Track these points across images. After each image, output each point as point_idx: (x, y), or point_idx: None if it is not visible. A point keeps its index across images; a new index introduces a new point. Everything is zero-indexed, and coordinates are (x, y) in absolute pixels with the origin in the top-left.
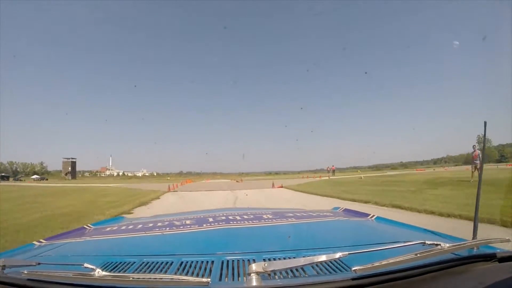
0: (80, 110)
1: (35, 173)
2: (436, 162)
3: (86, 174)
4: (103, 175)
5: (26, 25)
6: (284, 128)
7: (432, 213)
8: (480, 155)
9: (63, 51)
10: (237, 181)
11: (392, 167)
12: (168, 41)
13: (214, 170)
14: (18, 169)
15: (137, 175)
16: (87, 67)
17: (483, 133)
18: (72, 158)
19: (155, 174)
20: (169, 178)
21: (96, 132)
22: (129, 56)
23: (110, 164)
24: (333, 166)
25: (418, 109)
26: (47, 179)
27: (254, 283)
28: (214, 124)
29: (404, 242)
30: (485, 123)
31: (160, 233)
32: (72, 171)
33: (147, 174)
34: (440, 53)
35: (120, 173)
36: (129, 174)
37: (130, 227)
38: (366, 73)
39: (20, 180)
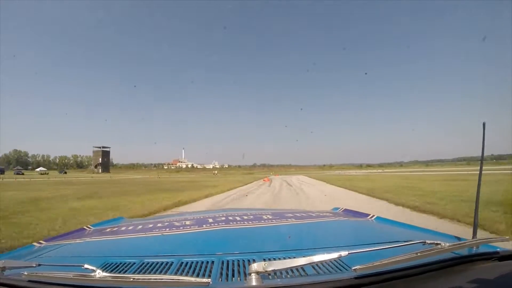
0: (153, 109)
1: (64, 166)
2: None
3: (153, 167)
4: (173, 167)
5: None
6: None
7: None
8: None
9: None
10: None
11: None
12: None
13: (289, 162)
14: (83, 162)
15: (207, 167)
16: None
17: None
18: (104, 147)
19: (226, 166)
20: (216, 172)
21: (169, 127)
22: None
23: (183, 156)
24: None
25: (418, 110)
26: (65, 172)
27: (254, 283)
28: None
29: (404, 241)
30: (483, 124)
31: (160, 234)
32: (104, 162)
33: (217, 166)
34: (440, 53)
35: (189, 165)
36: (198, 167)
37: (130, 227)
38: (366, 73)
39: (21, 173)
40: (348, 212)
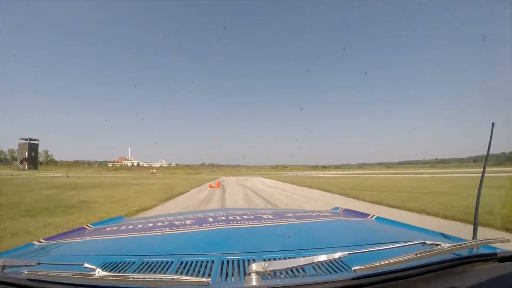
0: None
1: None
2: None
3: (96, 164)
4: (118, 165)
5: (28, 24)
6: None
7: None
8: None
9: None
10: None
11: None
12: (173, 41)
13: (238, 162)
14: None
15: (154, 165)
16: (97, 65)
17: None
18: (31, 139)
19: (173, 165)
20: (154, 171)
21: (118, 124)
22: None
23: (129, 155)
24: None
25: (418, 109)
26: None
27: (254, 283)
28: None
29: (404, 242)
30: (492, 124)
31: (160, 233)
32: (31, 157)
33: (164, 165)
34: (440, 52)
35: (135, 164)
36: (144, 165)
37: (130, 227)
38: (366, 73)
39: None
40: (349, 212)
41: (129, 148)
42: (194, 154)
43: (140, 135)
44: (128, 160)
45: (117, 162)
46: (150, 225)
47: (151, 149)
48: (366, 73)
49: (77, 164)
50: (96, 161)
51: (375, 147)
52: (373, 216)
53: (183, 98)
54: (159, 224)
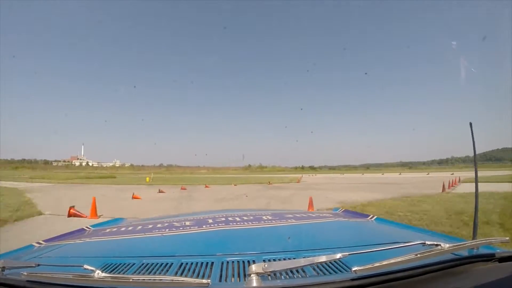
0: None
1: None
2: (440, 162)
3: (41, 163)
4: (64, 164)
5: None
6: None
7: None
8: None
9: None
10: None
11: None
12: (169, 40)
13: (197, 163)
14: None
15: (104, 165)
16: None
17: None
18: None
19: (126, 165)
20: None
21: (71, 121)
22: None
23: (82, 153)
24: None
25: (418, 110)
26: None
27: (254, 284)
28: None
29: (404, 242)
30: (470, 124)
31: (159, 234)
32: None
33: (117, 165)
34: (440, 53)
35: (84, 163)
36: (95, 165)
37: (130, 228)
38: (366, 73)
39: None
40: (348, 213)
41: (82, 146)
42: (152, 155)
43: (99, 134)
44: (79, 159)
45: (67, 161)
46: (150, 226)
47: (108, 149)
48: (366, 73)
49: (24, 162)
50: (43, 160)
51: (377, 147)
52: (373, 216)
53: (142, 98)
54: (159, 225)
